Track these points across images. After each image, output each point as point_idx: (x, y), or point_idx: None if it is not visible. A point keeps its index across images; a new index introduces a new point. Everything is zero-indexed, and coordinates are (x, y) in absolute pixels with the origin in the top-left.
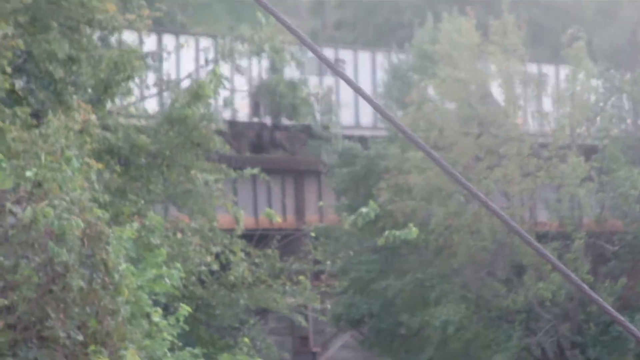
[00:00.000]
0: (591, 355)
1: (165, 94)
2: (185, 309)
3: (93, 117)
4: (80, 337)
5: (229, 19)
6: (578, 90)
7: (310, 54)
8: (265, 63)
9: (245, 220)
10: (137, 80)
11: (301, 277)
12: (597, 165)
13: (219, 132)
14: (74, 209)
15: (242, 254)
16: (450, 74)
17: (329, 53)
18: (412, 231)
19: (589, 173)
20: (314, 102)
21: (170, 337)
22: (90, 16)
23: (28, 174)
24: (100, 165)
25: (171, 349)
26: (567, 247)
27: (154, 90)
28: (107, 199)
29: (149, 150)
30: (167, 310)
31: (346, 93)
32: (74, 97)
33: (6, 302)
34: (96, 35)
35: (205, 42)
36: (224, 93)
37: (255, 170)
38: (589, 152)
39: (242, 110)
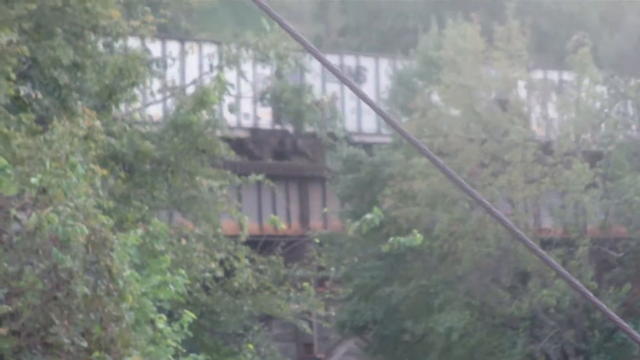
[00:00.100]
0: None
1: (169, 100)
2: (189, 316)
3: (98, 123)
4: (84, 344)
5: (234, 26)
6: (583, 97)
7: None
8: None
9: (250, 227)
10: (141, 86)
11: (305, 284)
12: (601, 171)
13: (224, 139)
14: (79, 215)
15: (246, 261)
16: (454, 80)
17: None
18: (417, 238)
19: (594, 179)
20: (319, 109)
21: (174, 344)
22: (94, 22)
23: (33, 180)
24: (104, 172)
25: (175, 356)
26: (571, 253)
27: (158, 96)
28: (112, 205)
29: (154, 156)
30: (171, 316)
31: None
32: (79, 103)
33: (10, 308)
34: (101, 41)
35: (209, 49)
36: (230, 99)
37: (260, 177)
38: (593, 158)
39: (264, 118)
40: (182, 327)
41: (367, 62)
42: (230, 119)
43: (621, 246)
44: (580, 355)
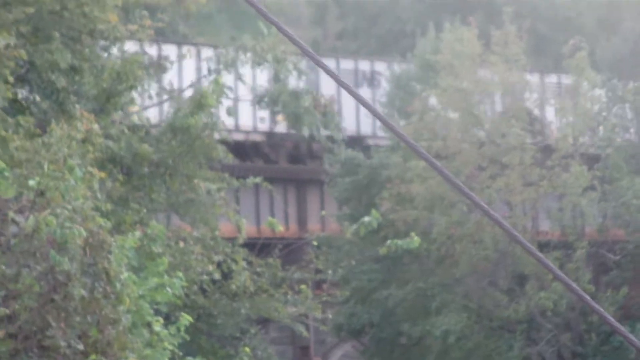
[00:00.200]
0: None
1: (166, 104)
2: (186, 319)
3: (96, 126)
4: (81, 347)
5: (231, 30)
6: (581, 100)
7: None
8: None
9: (248, 229)
10: (139, 89)
11: (303, 287)
12: (599, 174)
13: (223, 142)
14: (77, 217)
15: (244, 263)
16: (451, 84)
17: (347, 64)
18: (414, 240)
19: (592, 182)
20: (317, 112)
21: (171, 347)
22: (92, 26)
23: (31, 183)
24: (102, 175)
25: (172, 359)
26: (568, 256)
27: (155, 99)
28: (110, 207)
29: (152, 159)
30: (168, 319)
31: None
32: (77, 106)
33: (7, 311)
34: (98, 45)
35: (207, 52)
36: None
37: (258, 180)
38: (591, 161)
39: (281, 122)
40: (179, 330)
41: (381, 66)
42: (246, 123)
43: (619, 249)
44: (576, 358)
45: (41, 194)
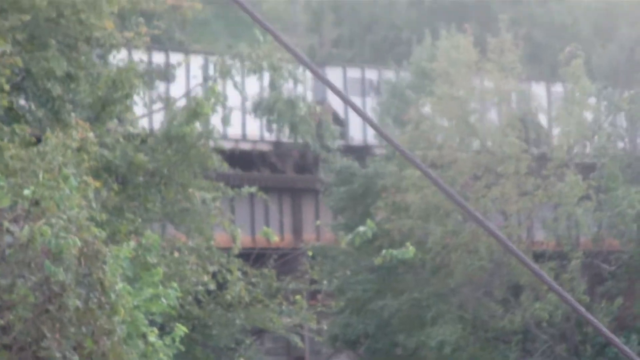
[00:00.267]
0: None
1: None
2: (181, 329)
3: (91, 135)
4: (76, 358)
5: (228, 37)
6: (576, 109)
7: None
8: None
9: (243, 239)
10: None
11: (298, 297)
12: (595, 184)
13: (218, 150)
14: (71, 227)
15: (238, 273)
16: (447, 92)
17: (354, 73)
18: (409, 250)
19: (587, 192)
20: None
21: (166, 358)
22: (88, 34)
23: (25, 192)
24: (97, 184)
25: None
26: (563, 266)
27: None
28: (105, 217)
29: (147, 168)
30: (163, 330)
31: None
32: (72, 114)
33: (2, 322)
34: (95, 52)
35: (200, 61)
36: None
37: (253, 189)
38: (587, 170)
39: (287, 131)
40: (173, 340)
41: (389, 75)
42: (253, 132)
43: (614, 259)
44: None
45: (36, 203)
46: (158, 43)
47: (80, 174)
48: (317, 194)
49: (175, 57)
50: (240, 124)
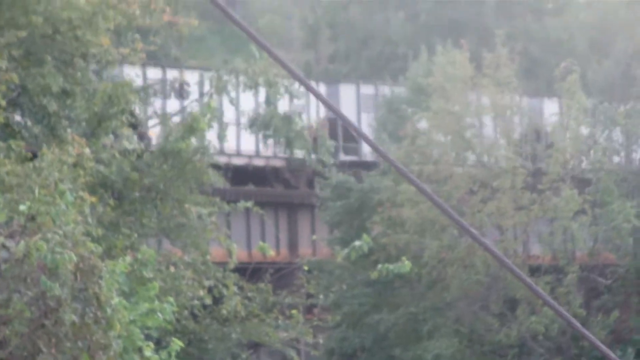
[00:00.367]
0: None
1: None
2: (177, 344)
3: (87, 150)
4: None
5: (224, 53)
6: (572, 123)
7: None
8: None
9: (239, 254)
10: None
11: (294, 311)
12: (590, 198)
13: (214, 166)
14: (67, 242)
15: (235, 288)
16: (443, 107)
17: (367, 89)
18: (405, 265)
19: (583, 206)
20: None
21: None
22: (84, 50)
23: (22, 207)
24: (93, 199)
25: None
26: (560, 280)
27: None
28: (100, 232)
29: (143, 183)
30: (159, 344)
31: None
32: (68, 130)
33: None
34: (91, 68)
35: (193, 76)
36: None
37: (249, 204)
38: (582, 184)
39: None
40: (170, 355)
41: (387, 90)
42: (266, 148)
43: (610, 273)
44: None
45: (32, 218)
46: (154, 59)
47: (76, 189)
48: (313, 209)
49: (171, 73)
50: (254, 141)
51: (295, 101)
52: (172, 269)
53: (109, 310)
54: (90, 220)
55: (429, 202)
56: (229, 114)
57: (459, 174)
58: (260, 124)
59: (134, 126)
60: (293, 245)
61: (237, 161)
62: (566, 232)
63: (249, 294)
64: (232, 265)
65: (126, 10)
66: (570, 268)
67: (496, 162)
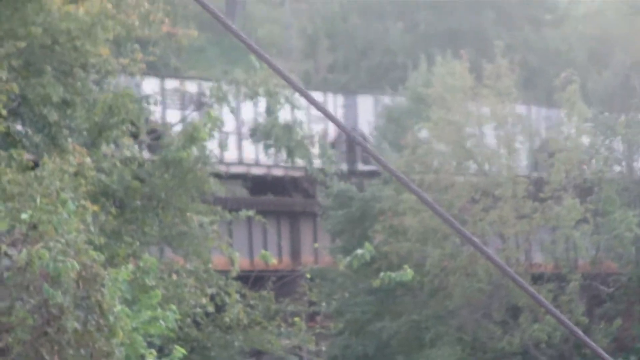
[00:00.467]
0: None
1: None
2: (179, 351)
3: (88, 160)
4: None
5: (223, 64)
6: (572, 133)
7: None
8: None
9: (241, 262)
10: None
11: (296, 319)
12: (592, 207)
13: (216, 175)
14: (69, 251)
15: (237, 296)
16: (443, 117)
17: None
18: (407, 273)
19: (585, 215)
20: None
21: None
22: (83, 60)
23: (23, 216)
24: (95, 208)
25: None
26: (562, 288)
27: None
28: (103, 241)
29: (144, 192)
30: (162, 352)
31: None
32: (69, 140)
33: (1, 344)
34: (91, 78)
35: (192, 86)
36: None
37: (251, 212)
38: (584, 193)
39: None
40: None
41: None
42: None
43: (612, 281)
44: None
45: (34, 227)
46: (153, 69)
47: (78, 198)
48: (315, 217)
49: (171, 84)
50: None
51: (313, 111)
52: (174, 277)
53: (111, 318)
54: (92, 228)
55: (430, 211)
56: (230, 124)
57: (461, 183)
58: (261, 134)
59: (134, 135)
60: (295, 254)
61: (256, 171)
62: (568, 240)
63: (252, 302)
64: (234, 273)
65: (125, 21)
66: (573, 276)
67: (498, 170)
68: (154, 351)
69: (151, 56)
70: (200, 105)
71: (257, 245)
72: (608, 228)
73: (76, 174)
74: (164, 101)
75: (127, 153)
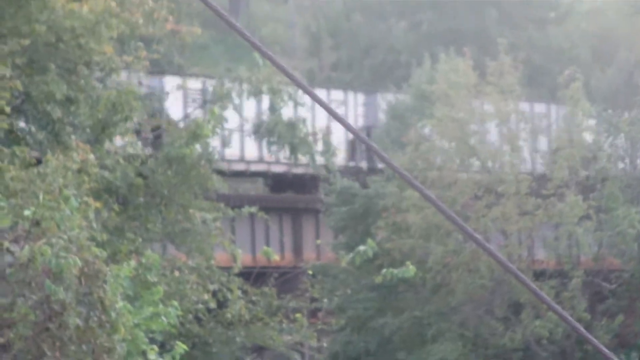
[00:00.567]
0: None
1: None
2: (181, 347)
3: (91, 156)
4: None
5: (227, 61)
6: (576, 130)
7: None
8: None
9: (243, 258)
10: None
11: (298, 315)
12: (595, 204)
13: (219, 172)
14: (72, 247)
15: (239, 292)
16: (447, 114)
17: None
18: (410, 269)
19: (587, 212)
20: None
21: None
22: (87, 58)
23: (26, 212)
24: (98, 204)
25: None
26: (564, 285)
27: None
28: (105, 237)
29: (147, 189)
30: (164, 348)
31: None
32: (72, 137)
33: (2, 340)
34: (94, 76)
35: (194, 84)
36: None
37: (253, 209)
38: (587, 190)
39: (339, 155)
40: (174, 358)
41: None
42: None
43: (614, 278)
44: None
45: (36, 223)
46: (157, 67)
47: (80, 195)
48: (318, 214)
49: (174, 81)
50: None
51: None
52: (176, 273)
53: (113, 314)
54: (94, 225)
55: (433, 208)
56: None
57: (464, 180)
58: (264, 131)
59: (138, 132)
60: (297, 250)
61: (277, 169)
62: (571, 237)
63: (253, 298)
64: (236, 270)
65: (129, 19)
66: (575, 273)
67: (501, 167)
68: (155, 347)
69: (155, 54)
70: (214, 101)
71: (259, 242)
72: (611, 225)
73: (79, 171)
74: (204, 99)
75: (130, 150)
